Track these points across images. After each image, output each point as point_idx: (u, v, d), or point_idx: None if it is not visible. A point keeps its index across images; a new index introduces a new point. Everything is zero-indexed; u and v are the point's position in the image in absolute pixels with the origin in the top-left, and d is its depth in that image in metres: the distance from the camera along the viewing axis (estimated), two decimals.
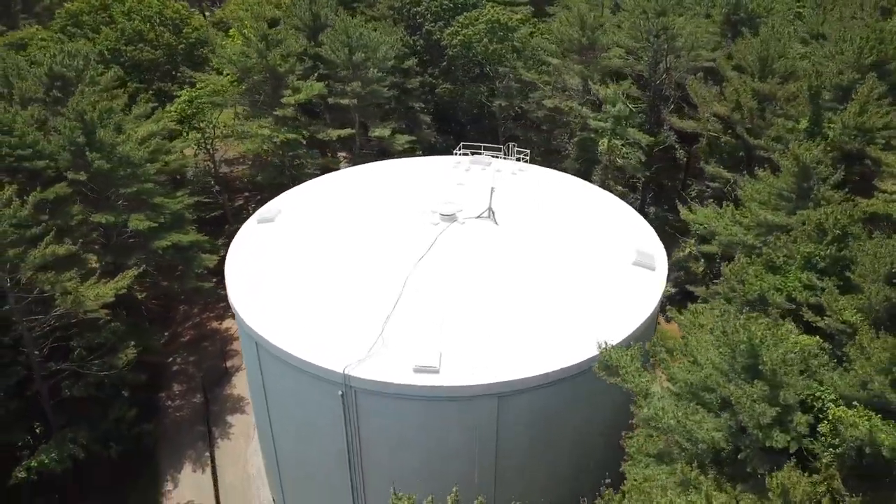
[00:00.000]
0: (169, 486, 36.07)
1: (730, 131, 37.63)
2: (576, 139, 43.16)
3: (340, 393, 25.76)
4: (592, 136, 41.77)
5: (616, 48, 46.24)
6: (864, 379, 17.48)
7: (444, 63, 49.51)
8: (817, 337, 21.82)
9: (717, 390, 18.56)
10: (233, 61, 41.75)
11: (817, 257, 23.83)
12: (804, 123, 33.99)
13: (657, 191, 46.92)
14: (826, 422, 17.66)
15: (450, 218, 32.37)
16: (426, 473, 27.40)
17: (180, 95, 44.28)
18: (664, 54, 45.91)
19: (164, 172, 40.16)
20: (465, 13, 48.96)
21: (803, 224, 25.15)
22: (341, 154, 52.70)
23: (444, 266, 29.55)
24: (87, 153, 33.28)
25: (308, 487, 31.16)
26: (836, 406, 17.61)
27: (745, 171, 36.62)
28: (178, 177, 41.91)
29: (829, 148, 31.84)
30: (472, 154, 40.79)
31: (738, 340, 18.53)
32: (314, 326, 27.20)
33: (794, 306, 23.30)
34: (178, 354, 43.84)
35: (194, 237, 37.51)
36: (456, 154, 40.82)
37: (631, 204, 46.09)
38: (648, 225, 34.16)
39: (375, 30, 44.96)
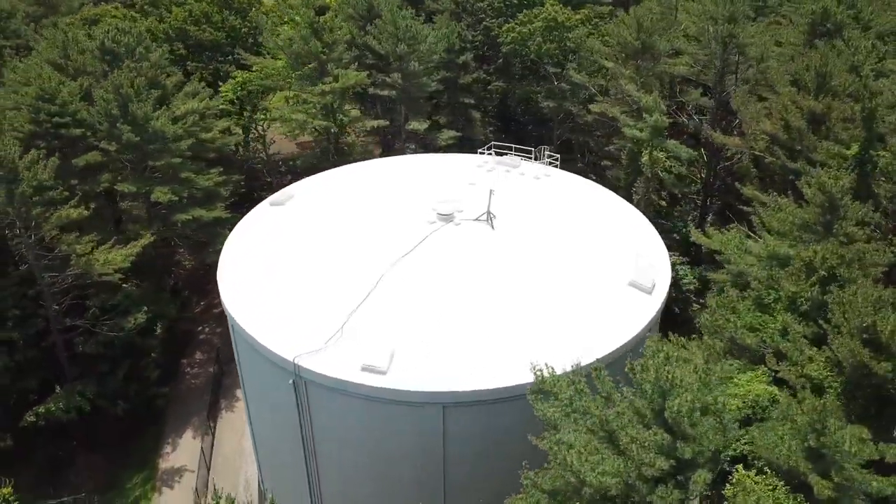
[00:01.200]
0: (168, 448, 37.71)
1: (776, 152, 34.30)
2: (624, 148, 40.88)
3: (291, 381, 25.79)
4: (630, 145, 39.42)
5: (686, 55, 43.42)
6: (778, 443, 15.33)
7: (501, 60, 48.40)
8: (776, 389, 19.56)
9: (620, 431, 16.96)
10: (281, 46, 42.74)
11: (802, 299, 21.27)
12: (854, 149, 30.48)
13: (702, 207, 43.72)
14: (729, 486, 15.68)
15: (446, 218, 31.57)
16: (374, 473, 27.01)
17: (235, 77, 45.88)
18: (733, 65, 42.63)
19: (206, 150, 41.90)
20: (524, 10, 47.55)
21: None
22: (405, 145, 52.71)
23: (425, 266, 28.87)
24: (119, 125, 35.13)
25: (277, 470, 31.56)
26: (743, 469, 15.57)
27: (789, 197, 33.37)
28: (216, 155, 43.51)
29: (876, 179, 28.40)
30: (501, 154, 39.70)
31: (649, 379, 16.88)
32: (282, 312, 27.35)
33: (769, 351, 20.94)
34: (207, 324, 45.67)
35: (219, 214, 38.71)
36: (483, 153, 39.81)
37: (678, 220, 43.47)
38: (661, 242, 31.87)
39: (425, 22, 44.56)
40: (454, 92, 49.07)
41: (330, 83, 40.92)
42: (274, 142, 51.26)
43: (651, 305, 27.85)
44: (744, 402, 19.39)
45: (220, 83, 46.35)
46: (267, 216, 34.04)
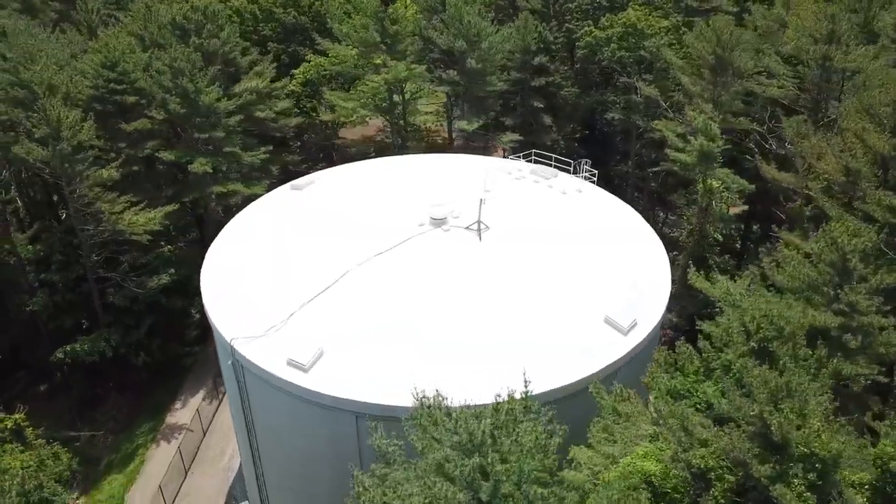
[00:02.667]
0: (178, 405, 39.81)
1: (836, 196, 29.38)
2: (663, 173, 37.20)
3: (230, 362, 26.08)
4: (676, 168, 35.62)
5: (782, 76, 38.56)
6: None
7: (578, 65, 45.75)
8: (660, 469, 16.82)
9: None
10: (346, 34, 43.21)
11: (733, 370, 18.09)
12: None
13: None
14: None
15: (438, 222, 30.34)
16: (298, 470, 26.72)
17: (311, 61, 47.10)
18: (832, 91, 37.24)
19: (267, 128, 43.49)
20: (608, 14, 44.50)
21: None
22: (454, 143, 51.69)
23: (394, 269, 27.95)
24: (168, 96, 37.27)
25: (242, 447, 32.21)
26: None
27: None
28: (281, 135, 44.86)
29: None
30: (542, 162, 37.59)
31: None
32: (246, 294, 27.70)
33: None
34: None
35: (258, 190, 39.94)
36: (519, 158, 37.89)
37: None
38: (668, 277, 28.56)
39: (492, 21, 42.98)
40: (526, 94, 47.12)
41: (382, 74, 40.77)
42: (344, 126, 51.99)
43: (618, 348, 25.05)
44: (623, 478, 16.85)
45: (297, 65, 47.77)
46: (284, 198, 34.64)
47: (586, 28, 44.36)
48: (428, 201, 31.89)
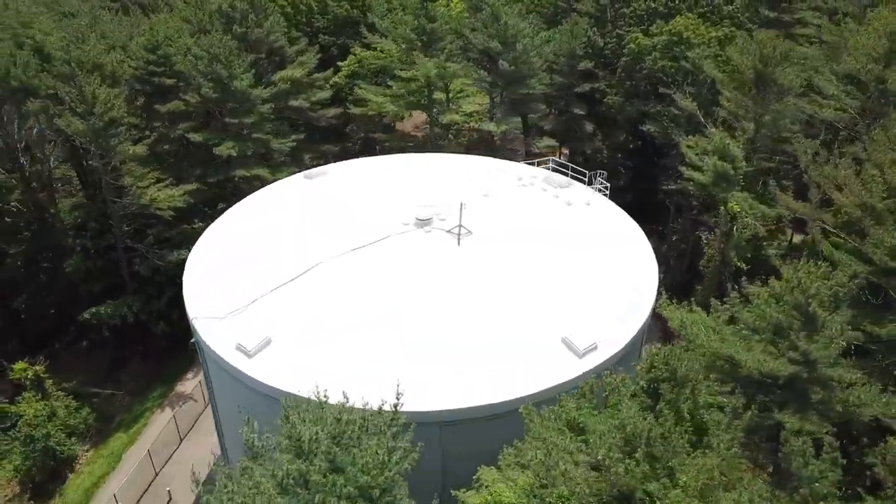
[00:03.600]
0: (189, 375, 41.63)
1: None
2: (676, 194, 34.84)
3: (193, 340, 26.97)
4: (691, 187, 33.37)
5: (836, 97, 35.43)
6: None
7: (623, 73, 43.81)
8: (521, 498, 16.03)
9: None
10: (387, 29, 43.47)
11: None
12: None
13: None
14: None
15: (422, 223, 30.12)
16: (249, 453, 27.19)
17: (356, 54, 47.74)
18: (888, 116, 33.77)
19: (307, 117, 44.59)
20: (659, 20, 42.30)
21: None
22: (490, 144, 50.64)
23: (364, 265, 27.98)
24: (203, 81, 38.90)
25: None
26: None
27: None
28: (324, 124, 45.72)
29: None
30: (555, 171, 36.41)
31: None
32: (223, 277, 28.56)
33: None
34: None
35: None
36: (536, 165, 36.84)
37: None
38: (651, 300, 26.91)
39: (542, 23, 41.82)
40: (570, 99, 45.71)
41: (409, 70, 40.76)
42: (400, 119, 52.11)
43: (566, 371, 23.87)
44: None
45: (344, 57, 48.54)
46: (290, 187, 35.42)
47: (633, 34, 42.40)
48: (423, 201, 31.72)
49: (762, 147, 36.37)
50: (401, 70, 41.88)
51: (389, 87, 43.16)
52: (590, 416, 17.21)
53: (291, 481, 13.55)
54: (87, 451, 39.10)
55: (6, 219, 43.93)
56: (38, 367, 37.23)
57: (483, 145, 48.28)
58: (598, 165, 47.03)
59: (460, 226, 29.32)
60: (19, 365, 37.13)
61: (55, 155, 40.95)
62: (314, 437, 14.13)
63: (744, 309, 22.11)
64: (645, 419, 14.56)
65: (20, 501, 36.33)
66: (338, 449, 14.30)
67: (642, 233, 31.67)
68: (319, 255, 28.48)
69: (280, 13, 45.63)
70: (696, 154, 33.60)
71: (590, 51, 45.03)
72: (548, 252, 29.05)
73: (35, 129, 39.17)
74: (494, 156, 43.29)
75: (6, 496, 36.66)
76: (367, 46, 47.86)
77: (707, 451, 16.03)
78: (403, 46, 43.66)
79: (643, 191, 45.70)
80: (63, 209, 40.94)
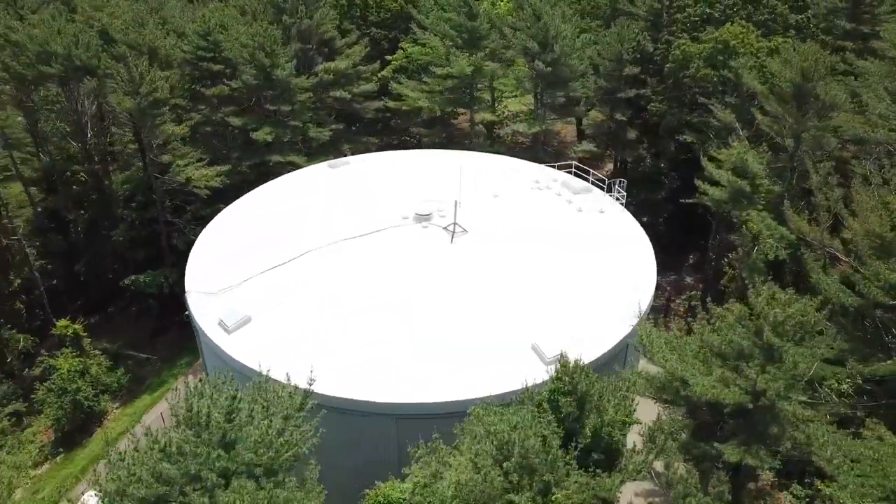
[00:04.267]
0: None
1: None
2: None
3: (186, 313, 28.36)
4: (707, 202, 31.82)
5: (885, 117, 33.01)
6: None
7: (671, 80, 42.22)
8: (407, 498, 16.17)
9: None
10: (431, 25, 43.84)
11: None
12: None
13: None
14: None
15: (421, 218, 30.40)
16: None
17: (405, 49, 48.34)
18: None
19: (349, 107, 45.71)
20: (710, 27, 40.49)
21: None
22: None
23: (355, 255, 28.56)
24: (246, 68, 40.58)
25: None
26: None
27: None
28: (372, 116, 46.78)
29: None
30: (574, 175, 35.80)
31: None
32: (225, 254, 29.93)
33: None
34: None
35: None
36: (557, 168, 36.31)
37: None
38: (639, 308, 26.04)
39: (572, 23, 40.96)
40: (615, 104, 44.55)
41: (444, 67, 40.96)
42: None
43: (532, 375, 23.40)
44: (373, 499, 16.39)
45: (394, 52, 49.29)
46: (312, 175, 36.54)
47: (680, 41, 40.82)
48: (430, 197, 31.97)
49: (800, 165, 34.27)
50: (437, 66, 42.15)
51: (426, 82, 43.51)
52: (499, 421, 17.04)
53: (174, 449, 14.22)
54: (117, 408, 41.80)
55: (73, 187, 47.51)
56: (77, 326, 40.08)
57: (527, 146, 47.85)
58: (640, 174, 45.72)
59: (455, 224, 29.39)
60: (61, 322, 40.10)
61: (111, 130, 43.76)
62: (207, 411, 14.74)
63: (712, 331, 21.13)
64: (532, 427, 14.30)
65: (53, 448, 39.41)
66: (228, 425, 14.87)
67: (649, 245, 30.69)
68: (315, 242, 29.29)
69: (332, 5, 46.83)
70: (716, 168, 32.05)
71: (638, 56, 43.69)
72: (541, 257, 28.68)
73: (94, 106, 42.04)
74: (533, 157, 42.97)
75: (41, 442, 39.80)
76: (416, 42, 48.38)
77: (611, 472, 15.58)
78: (448, 43, 43.87)
79: (687, 203, 43.96)
80: (116, 181, 43.75)
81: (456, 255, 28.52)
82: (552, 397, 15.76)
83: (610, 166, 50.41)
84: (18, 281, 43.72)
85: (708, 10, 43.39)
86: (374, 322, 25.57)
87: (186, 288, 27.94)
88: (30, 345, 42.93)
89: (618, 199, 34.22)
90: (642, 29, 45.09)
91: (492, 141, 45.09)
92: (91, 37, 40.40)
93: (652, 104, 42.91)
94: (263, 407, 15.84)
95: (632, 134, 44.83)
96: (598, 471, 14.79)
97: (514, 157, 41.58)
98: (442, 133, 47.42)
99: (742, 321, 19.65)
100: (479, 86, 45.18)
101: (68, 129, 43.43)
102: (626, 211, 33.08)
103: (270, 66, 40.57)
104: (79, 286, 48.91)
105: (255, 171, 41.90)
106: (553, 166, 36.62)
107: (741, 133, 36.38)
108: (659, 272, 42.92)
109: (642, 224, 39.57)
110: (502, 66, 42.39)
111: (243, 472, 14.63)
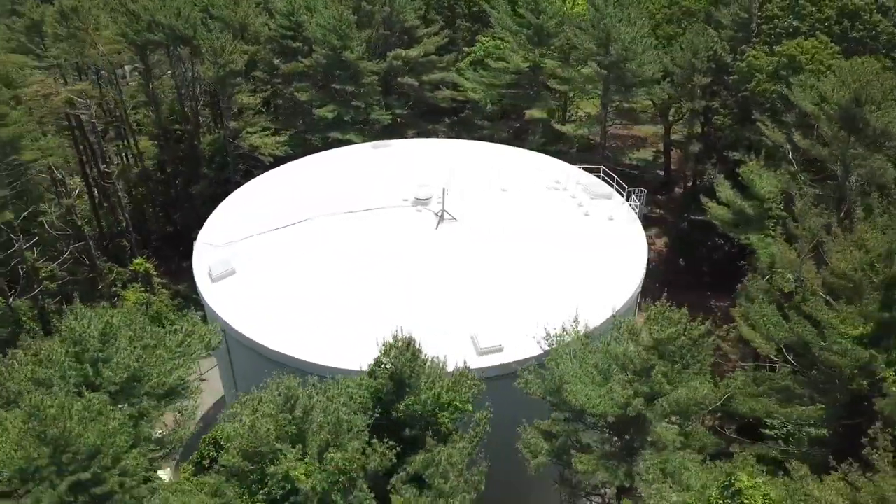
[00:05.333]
0: None
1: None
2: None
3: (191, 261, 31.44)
4: (716, 222, 29.88)
5: None
6: None
7: (732, 92, 39.76)
8: None
9: None
10: (498, 19, 44.34)
11: None
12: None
13: None
14: None
15: (419, 202, 31.56)
16: (224, 374, 31.23)
17: (483, 43, 49.11)
18: None
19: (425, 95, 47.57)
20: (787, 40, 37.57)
21: None
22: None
23: (348, 227, 30.41)
24: (318, 48, 43.53)
25: None
26: None
27: None
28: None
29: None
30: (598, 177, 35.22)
31: None
32: (242, 212, 32.87)
33: None
34: None
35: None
36: (578, 167, 35.85)
37: None
38: (598, 317, 25.59)
39: (637, 27, 39.58)
40: (681, 114, 42.80)
41: (500, 63, 41.42)
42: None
43: (462, 362, 23.99)
44: None
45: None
46: (353, 153, 38.73)
47: (751, 52, 38.30)
48: (441, 184, 32.95)
49: (853, 195, 31.31)
50: (496, 60, 42.67)
51: (483, 75, 44.16)
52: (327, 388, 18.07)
53: (45, 356, 16.79)
54: None
55: (180, 144, 53.36)
56: (149, 265, 45.32)
57: (589, 148, 47.08)
58: (700, 189, 43.57)
59: (443, 211, 30.24)
60: (138, 260, 45.47)
61: (199, 97, 48.58)
62: (81, 330, 17.13)
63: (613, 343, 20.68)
64: (342, 396, 15.28)
65: None
66: (100, 345, 17.20)
67: (643, 255, 29.72)
68: (318, 212, 31.40)
69: None
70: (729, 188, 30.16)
71: (713, 66, 41.51)
72: (520, 254, 28.87)
73: (189, 72, 46.96)
74: (589, 159, 42.49)
75: None
76: (494, 37, 49.05)
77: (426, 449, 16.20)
78: (520, 39, 44.20)
79: None
80: (204, 142, 48.63)
81: (437, 240, 29.46)
82: (371, 371, 16.54)
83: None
84: (124, 221, 49.82)
85: (796, 23, 40.36)
86: (343, 291, 27.19)
87: (197, 239, 31.08)
88: (125, 277, 48.82)
89: (633, 207, 33.23)
90: (727, 39, 42.80)
91: (550, 140, 44.75)
92: (192, 10, 45.17)
93: (717, 117, 40.73)
94: (136, 334, 17.96)
95: (696, 147, 42.83)
96: (405, 447, 15.43)
97: (578, 156, 41.31)
98: (507, 128, 47.88)
99: (633, 335, 19.16)
100: (548, 84, 45.04)
101: (171, 93, 48.87)
102: (637, 220, 32.11)
103: (341, 48, 43.21)
104: (176, 236, 54.89)
105: (316, 144, 44.90)
106: (588, 169, 35.99)
107: (790, 155, 33.84)
108: (712, 296, 40.95)
109: (694, 242, 37.87)
110: (564, 65, 41.96)
111: (101, 387, 16.92)
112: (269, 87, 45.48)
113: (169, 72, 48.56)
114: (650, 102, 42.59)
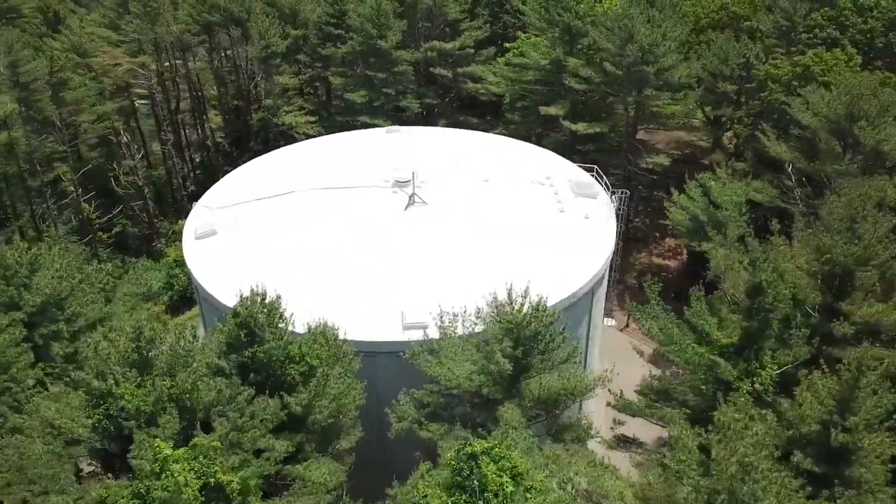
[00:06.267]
0: None
1: None
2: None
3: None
4: (679, 229, 29.15)
5: None
6: None
7: (759, 102, 38.12)
8: None
9: None
10: (531, 22, 44.87)
11: None
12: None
13: None
14: None
15: (398, 184, 32.94)
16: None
17: (523, 40, 49.58)
18: None
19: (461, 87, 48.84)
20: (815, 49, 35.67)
21: None
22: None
23: (324, 202, 32.42)
24: (355, 35, 45.79)
25: None
26: None
27: None
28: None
29: None
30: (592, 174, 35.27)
31: None
32: (245, 181, 35.58)
33: None
34: None
35: None
36: (578, 165, 36.00)
37: None
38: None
39: (662, 29, 38.78)
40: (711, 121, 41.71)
41: (520, 57, 41.98)
42: None
43: (388, 336, 25.49)
44: None
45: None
46: (367, 136, 40.66)
47: (776, 61, 36.73)
48: (426, 169, 34.31)
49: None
50: (517, 56, 43.22)
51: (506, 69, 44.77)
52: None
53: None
54: None
55: (239, 119, 57.52)
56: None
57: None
58: None
59: (414, 194, 31.54)
60: (182, 222, 49.70)
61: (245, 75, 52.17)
62: (17, 259, 20.03)
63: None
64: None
65: None
66: (28, 272, 20.04)
67: (603, 257, 29.70)
68: (304, 186, 33.60)
69: None
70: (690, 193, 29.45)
71: (743, 74, 40.05)
72: (480, 241, 29.74)
73: (241, 52, 50.55)
74: (609, 161, 42.41)
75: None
76: (532, 34, 49.44)
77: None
78: (552, 36, 44.46)
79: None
80: (254, 118, 52.29)
81: (403, 221, 30.84)
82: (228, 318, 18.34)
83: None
84: (185, 187, 54.39)
85: (837, 34, 38.34)
86: (304, 258, 29.18)
87: (199, 201, 34.09)
88: (170, 235, 53.42)
89: (615, 208, 33.11)
90: (769, 47, 41.17)
91: (570, 138, 44.71)
92: None
93: (737, 126, 39.39)
94: (78, 275, 20.69)
95: (719, 156, 41.55)
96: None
97: (599, 156, 41.30)
98: (537, 123, 48.15)
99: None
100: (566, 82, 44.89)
101: (230, 71, 52.85)
102: (613, 220, 32.01)
103: (376, 37, 45.27)
104: None
105: (346, 127, 47.29)
106: (588, 169, 36.08)
107: (790, 169, 32.52)
108: None
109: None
110: (586, 65, 41.78)
111: (22, 308, 19.75)
112: (310, 69, 48.31)
113: (230, 51, 52.65)
114: (678, 108, 41.47)
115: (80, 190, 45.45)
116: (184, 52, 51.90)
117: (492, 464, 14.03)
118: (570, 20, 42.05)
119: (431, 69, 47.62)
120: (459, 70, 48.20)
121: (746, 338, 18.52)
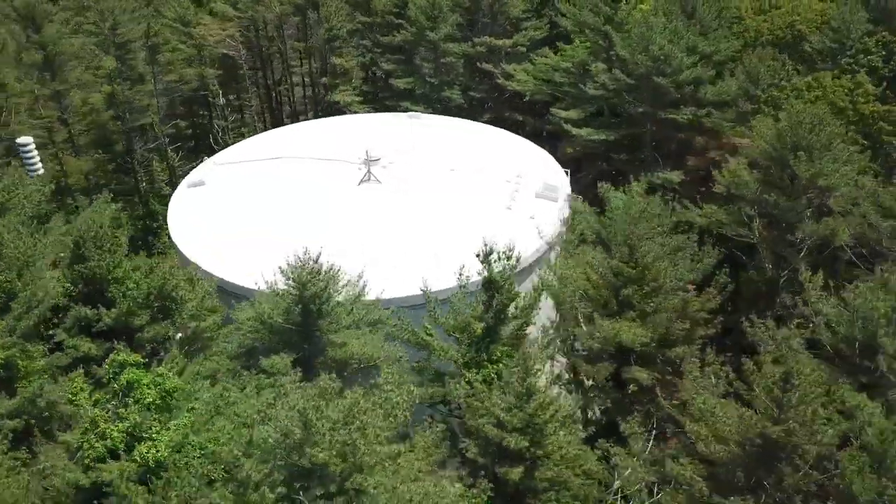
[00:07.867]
0: None
1: None
2: None
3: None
4: None
5: None
6: None
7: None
8: None
9: None
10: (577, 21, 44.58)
11: None
12: None
13: None
14: None
15: (366, 161, 35.35)
16: None
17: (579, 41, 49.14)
18: None
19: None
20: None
21: None
22: None
23: (298, 170, 35.92)
24: (407, 25, 48.56)
25: None
26: None
27: None
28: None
29: None
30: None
31: None
32: (243, 148, 40.01)
33: None
34: None
35: None
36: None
37: None
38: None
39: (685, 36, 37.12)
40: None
41: (549, 57, 42.32)
42: None
43: None
44: None
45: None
46: (381, 120, 43.54)
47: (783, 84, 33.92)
48: (413, 152, 36.64)
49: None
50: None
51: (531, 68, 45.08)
52: None
53: None
54: None
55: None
56: None
57: None
58: None
59: (369, 172, 33.96)
60: None
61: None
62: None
63: None
64: None
65: None
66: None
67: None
68: (286, 154, 37.36)
69: None
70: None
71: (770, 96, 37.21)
72: (412, 224, 31.59)
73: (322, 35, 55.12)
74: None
75: None
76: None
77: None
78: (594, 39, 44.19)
79: None
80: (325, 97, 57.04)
81: (355, 196, 33.51)
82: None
83: None
84: None
85: (880, 64, 34.78)
86: (264, 216, 32.80)
87: (212, 157, 39.09)
88: None
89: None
90: (811, 70, 38.10)
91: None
92: None
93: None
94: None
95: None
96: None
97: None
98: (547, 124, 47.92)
99: None
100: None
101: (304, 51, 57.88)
102: (556, 224, 32.11)
103: (428, 28, 47.76)
104: None
105: (391, 110, 50.37)
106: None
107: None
108: None
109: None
110: (604, 71, 41.07)
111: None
112: (370, 54, 51.92)
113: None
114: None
115: (167, 139, 52.79)
116: (278, 30, 57.93)
117: (144, 376, 16.58)
118: (600, 25, 41.67)
119: (477, 63, 49.09)
120: (505, 66, 49.18)
121: None
